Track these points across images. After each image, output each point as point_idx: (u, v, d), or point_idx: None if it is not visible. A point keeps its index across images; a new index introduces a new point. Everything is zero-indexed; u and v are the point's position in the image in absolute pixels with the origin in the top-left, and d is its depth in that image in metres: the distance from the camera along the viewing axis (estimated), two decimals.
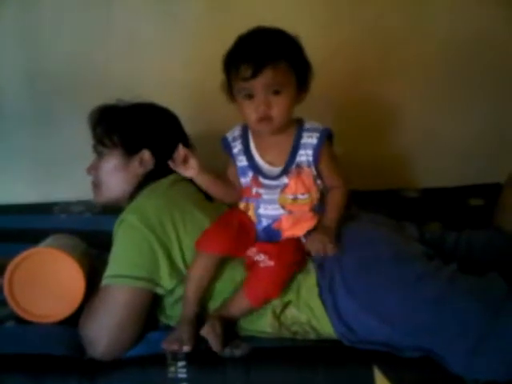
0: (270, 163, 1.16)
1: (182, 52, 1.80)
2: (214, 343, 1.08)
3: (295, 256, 1.16)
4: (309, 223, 1.18)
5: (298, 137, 1.15)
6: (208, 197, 1.27)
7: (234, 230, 1.15)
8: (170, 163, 1.09)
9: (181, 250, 1.15)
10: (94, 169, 1.33)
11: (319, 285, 1.16)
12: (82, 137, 1.77)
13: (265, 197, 1.16)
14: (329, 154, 1.17)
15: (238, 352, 1.10)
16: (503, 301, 1.07)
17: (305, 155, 1.15)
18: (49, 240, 1.26)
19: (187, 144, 1.38)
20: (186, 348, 1.07)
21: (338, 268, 1.15)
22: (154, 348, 1.10)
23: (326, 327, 1.14)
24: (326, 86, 1.82)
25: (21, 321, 1.18)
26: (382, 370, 1.07)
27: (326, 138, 1.16)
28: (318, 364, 1.08)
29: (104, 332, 1.10)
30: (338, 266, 1.15)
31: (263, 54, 1.05)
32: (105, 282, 1.13)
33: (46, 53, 1.79)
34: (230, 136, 1.21)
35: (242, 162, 1.18)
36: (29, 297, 1.18)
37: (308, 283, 1.16)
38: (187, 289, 1.13)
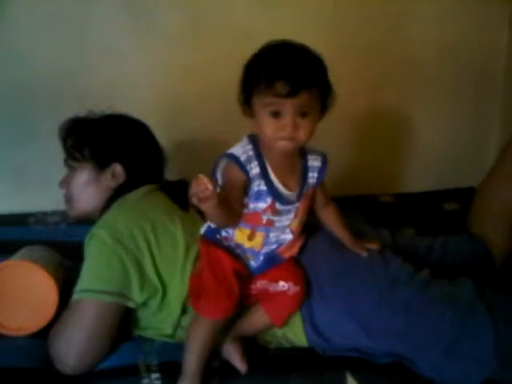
0: (287, 187, 1.08)
1: (159, 62, 1.80)
2: (239, 364, 1.07)
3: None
4: (299, 243, 1.18)
5: (305, 159, 1.11)
6: (182, 207, 1.27)
7: (233, 285, 1.08)
8: (191, 198, 0.92)
9: (153, 262, 1.14)
10: (65, 183, 1.32)
11: None
12: (58, 147, 1.78)
13: (277, 224, 1.09)
14: (322, 183, 1.16)
15: (215, 363, 1.10)
16: (472, 305, 1.09)
17: (312, 178, 1.12)
18: (22, 252, 1.26)
19: (160, 155, 1.38)
20: None
21: (313, 275, 1.17)
22: (127, 359, 1.10)
23: (300, 339, 1.15)
24: None
25: None
26: (355, 376, 1.08)
27: (327, 162, 1.14)
28: (290, 372, 1.08)
29: (73, 347, 1.08)
30: (313, 273, 1.17)
31: (303, 75, 0.98)
32: (75, 296, 1.12)
33: (23, 64, 1.78)
34: (243, 156, 1.04)
35: (260, 186, 1.05)
36: (1, 310, 1.17)
37: None
38: (190, 359, 1.06)
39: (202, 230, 1.14)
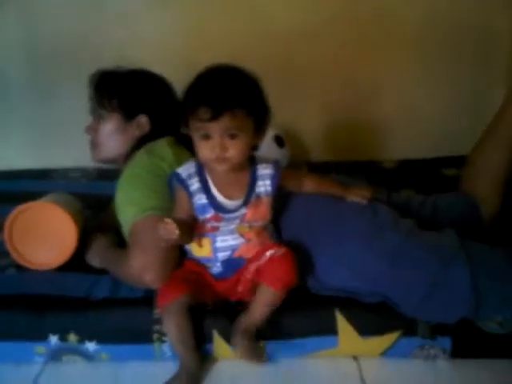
0: (230, 198, 1.16)
1: (173, 24, 1.89)
2: (253, 360, 1.13)
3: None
4: (263, 246, 1.18)
5: (254, 170, 1.18)
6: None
7: (186, 275, 1.17)
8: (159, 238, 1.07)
9: None
10: (92, 130, 1.41)
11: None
12: (79, 105, 1.88)
13: (223, 229, 1.16)
14: (286, 174, 1.22)
15: (209, 307, 1.18)
16: (454, 253, 1.18)
17: (263, 186, 1.18)
18: (47, 196, 1.37)
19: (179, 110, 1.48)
20: None
21: (306, 224, 1.26)
22: (142, 292, 1.22)
23: None
24: (310, 61, 1.94)
25: (21, 268, 1.30)
26: (343, 312, 1.18)
27: (280, 168, 1.20)
28: (283, 310, 1.16)
29: (152, 259, 1.15)
30: (307, 222, 1.26)
31: (223, 99, 1.06)
32: (132, 221, 1.20)
33: (45, 25, 1.88)
34: (184, 173, 1.16)
35: (202, 199, 1.15)
36: (28, 247, 1.30)
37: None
38: (176, 349, 1.14)
39: None
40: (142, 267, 1.16)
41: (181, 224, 1.06)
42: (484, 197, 1.45)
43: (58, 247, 1.29)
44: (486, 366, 1.19)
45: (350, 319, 1.18)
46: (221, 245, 1.17)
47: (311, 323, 1.19)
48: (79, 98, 1.80)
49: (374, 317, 1.19)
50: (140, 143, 1.37)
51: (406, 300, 1.17)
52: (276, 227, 1.28)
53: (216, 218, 1.16)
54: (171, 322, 1.12)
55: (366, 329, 1.18)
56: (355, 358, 1.22)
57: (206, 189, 1.16)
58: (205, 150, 1.10)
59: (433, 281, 1.16)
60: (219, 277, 1.19)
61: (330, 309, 1.19)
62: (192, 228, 1.15)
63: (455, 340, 1.18)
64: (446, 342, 1.18)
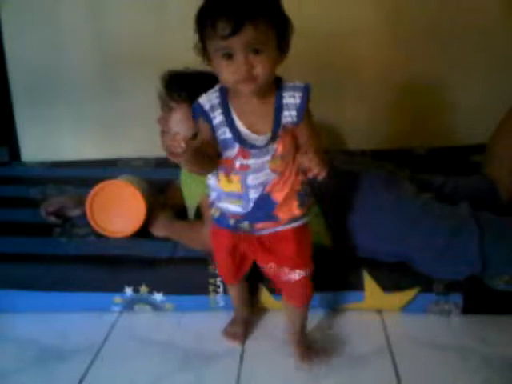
0: (256, 131, 1.07)
1: None
2: (312, 361, 1.26)
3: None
4: (297, 187, 1.13)
5: (280, 97, 1.07)
6: None
7: (229, 266, 1.25)
8: (164, 150, 0.98)
9: None
10: (163, 119, 1.65)
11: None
12: (141, 102, 2.13)
13: (253, 167, 1.08)
14: (308, 111, 1.09)
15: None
16: (465, 220, 1.36)
17: (289, 116, 1.07)
18: (120, 177, 1.63)
19: None
20: (238, 343, 1.33)
21: (340, 198, 1.45)
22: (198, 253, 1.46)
23: (326, 241, 1.45)
24: (346, 59, 2.13)
25: (99, 236, 1.58)
26: (369, 271, 1.39)
27: (308, 96, 1.07)
28: (316, 269, 1.29)
29: None
30: (341, 197, 1.45)
31: (242, 8, 0.96)
32: (201, 196, 1.42)
33: (112, 28, 2.11)
34: (207, 104, 1.08)
35: (225, 134, 1.07)
36: (105, 218, 1.57)
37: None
38: (234, 304, 1.36)
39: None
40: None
41: (193, 146, 0.98)
42: (501, 179, 1.60)
43: (130, 218, 1.55)
44: (496, 321, 1.36)
45: (375, 277, 1.38)
46: (252, 182, 1.10)
47: (341, 280, 1.40)
48: (141, 95, 2.05)
49: (395, 275, 1.39)
50: None
51: (421, 259, 1.36)
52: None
53: (243, 155, 1.07)
54: (234, 291, 1.34)
55: (388, 285, 1.38)
56: (379, 311, 1.42)
57: (229, 122, 1.07)
58: (228, 71, 1.00)
59: (445, 243, 1.34)
60: (250, 220, 1.15)
61: (358, 267, 1.40)
62: (206, 157, 1.06)
63: (466, 296, 1.36)
64: (457, 298, 1.36)
